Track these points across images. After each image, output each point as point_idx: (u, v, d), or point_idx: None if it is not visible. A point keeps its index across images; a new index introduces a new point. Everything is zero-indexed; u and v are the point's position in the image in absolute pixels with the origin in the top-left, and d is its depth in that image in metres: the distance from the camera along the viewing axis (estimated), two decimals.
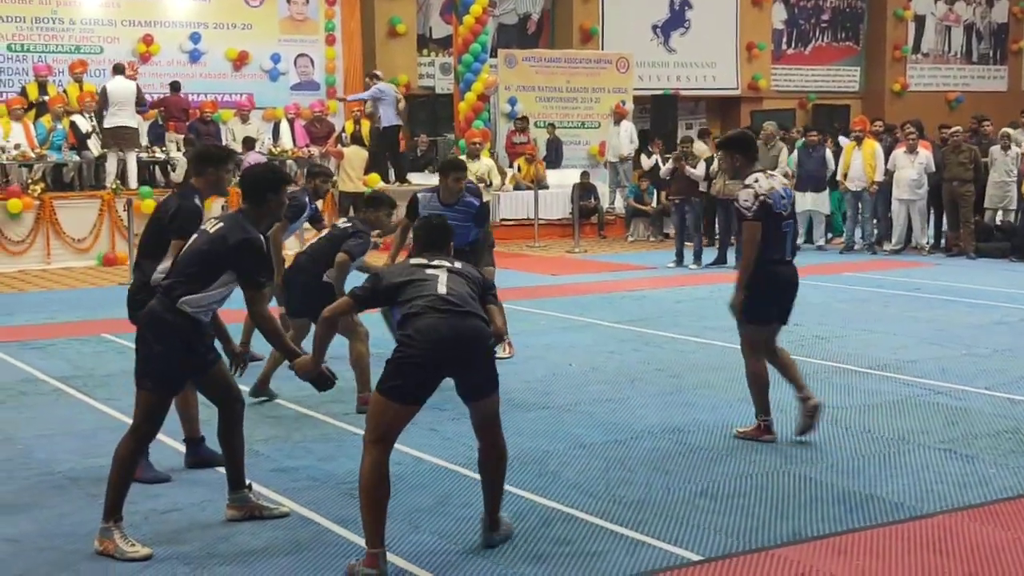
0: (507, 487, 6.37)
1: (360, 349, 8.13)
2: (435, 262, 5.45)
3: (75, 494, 6.43)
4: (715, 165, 16.80)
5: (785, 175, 18.18)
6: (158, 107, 19.14)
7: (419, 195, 9.35)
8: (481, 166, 15.14)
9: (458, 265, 5.51)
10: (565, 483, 6.51)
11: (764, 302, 7.17)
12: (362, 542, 5.24)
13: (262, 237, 5.79)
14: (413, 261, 5.51)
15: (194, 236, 5.76)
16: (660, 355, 10.06)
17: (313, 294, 7.97)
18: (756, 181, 7.12)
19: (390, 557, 5.22)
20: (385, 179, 18.96)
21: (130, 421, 7.61)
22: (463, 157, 15.45)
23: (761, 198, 7.06)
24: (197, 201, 6.52)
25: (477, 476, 6.49)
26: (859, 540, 5.59)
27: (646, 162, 20.25)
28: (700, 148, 18.52)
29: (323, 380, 5.66)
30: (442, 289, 5.25)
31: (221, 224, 5.71)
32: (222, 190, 6.93)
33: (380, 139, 19.34)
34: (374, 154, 19.03)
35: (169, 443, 6.93)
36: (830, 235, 19.07)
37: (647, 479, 6.58)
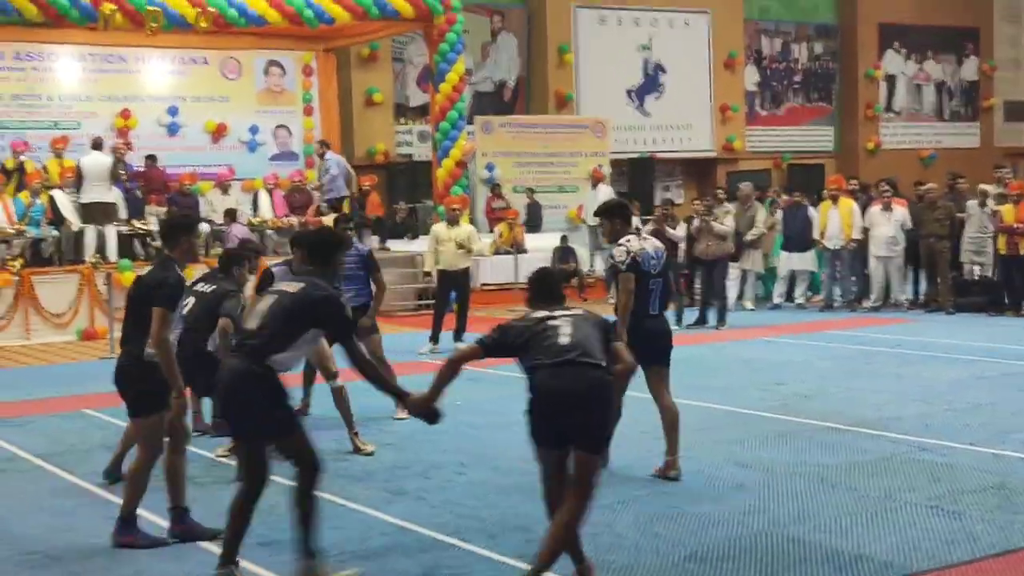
0: (490, 554, 6.35)
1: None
2: (556, 312, 5.77)
3: (56, 572, 6.36)
4: (696, 225, 16.93)
5: (771, 227, 18.41)
6: (136, 180, 19.16)
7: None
8: (461, 232, 15.13)
9: (579, 311, 5.88)
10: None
11: (636, 352, 6.80)
12: None
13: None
14: (537, 314, 5.80)
15: (271, 298, 6.02)
16: (644, 417, 10.03)
17: (196, 364, 7.73)
18: (628, 241, 7.97)
19: None
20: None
21: (111, 497, 7.56)
22: (442, 223, 15.53)
23: (632, 255, 7.86)
24: (178, 270, 6.65)
25: (465, 545, 6.47)
26: None
27: None
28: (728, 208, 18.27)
29: (433, 416, 5.91)
30: (564, 340, 5.55)
31: (303, 284, 6.02)
32: (195, 256, 7.30)
33: (329, 209, 19.47)
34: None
35: (151, 517, 6.87)
36: (810, 293, 19.14)
37: (636, 542, 6.54)
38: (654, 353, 7.89)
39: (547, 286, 6.05)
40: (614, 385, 5.85)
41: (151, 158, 19.54)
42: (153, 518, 6.91)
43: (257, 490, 5.88)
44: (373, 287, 10.42)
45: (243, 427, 5.90)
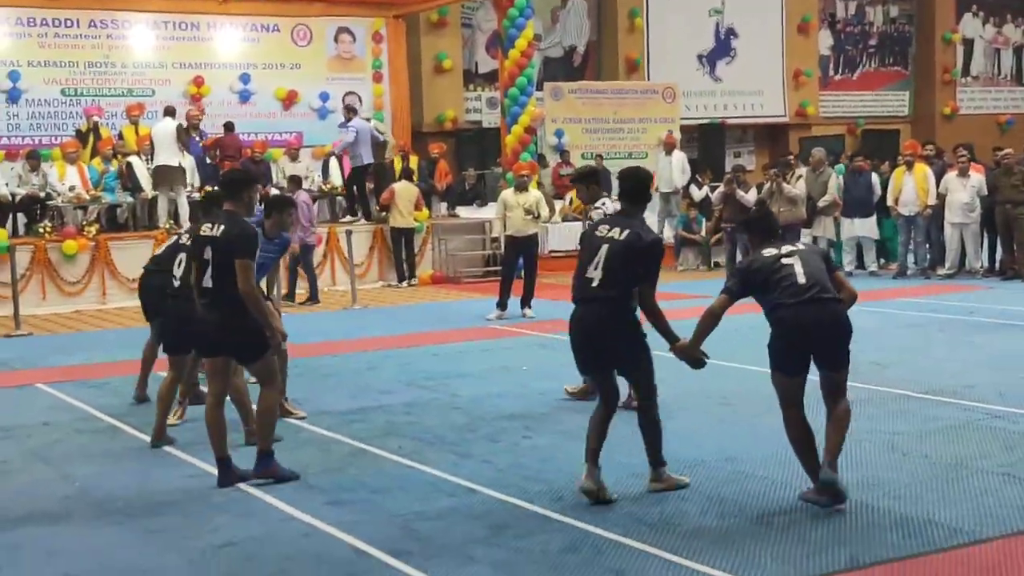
0: (560, 517, 6.38)
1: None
2: (785, 250, 6.43)
3: (131, 527, 6.49)
4: (767, 188, 16.79)
5: (833, 202, 18.19)
6: (212, 147, 19.35)
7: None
8: (530, 198, 15.10)
9: (802, 247, 6.60)
10: (619, 512, 6.46)
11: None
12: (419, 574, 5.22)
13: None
14: (767, 253, 6.43)
15: (604, 245, 6.59)
16: (713, 383, 9.99)
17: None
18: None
19: None
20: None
21: (182, 455, 7.64)
22: (510, 188, 15.50)
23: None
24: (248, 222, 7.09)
25: (531, 507, 6.52)
26: (917, 566, 5.52)
27: (696, 193, 20.24)
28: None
29: (699, 362, 6.64)
30: (801, 280, 6.23)
31: (629, 230, 6.60)
32: (253, 211, 7.60)
33: (348, 179, 19.41)
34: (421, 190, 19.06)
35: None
36: (883, 260, 18.93)
37: (701, 508, 6.53)
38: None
39: (768, 224, 6.77)
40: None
41: (228, 125, 19.73)
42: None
43: (612, 408, 6.75)
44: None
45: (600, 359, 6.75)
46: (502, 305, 14.76)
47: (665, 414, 6.95)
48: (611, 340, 6.58)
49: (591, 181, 9.15)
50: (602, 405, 6.74)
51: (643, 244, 6.54)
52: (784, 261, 6.34)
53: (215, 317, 6.96)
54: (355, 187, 19.30)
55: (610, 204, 8.52)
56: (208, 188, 15.40)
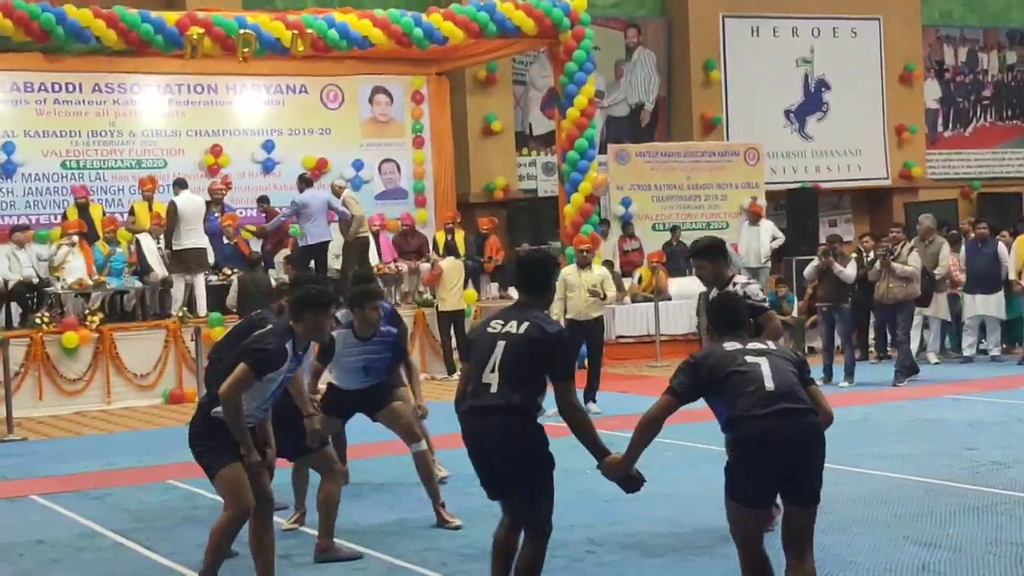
0: None
1: (331, 488, 8.24)
2: (751, 346, 5.88)
3: None
4: (876, 269, 16.70)
5: (949, 278, 18.05)
6: (260, 234, 19.70)
7: (334, 334, 9.33)
8: (594, 276, 15.10)
9: (771, 347, 5.98)
10: None
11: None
12: None
13: None
14: (729, 346, 5.87)
15: (501, 342, 6.15)
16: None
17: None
18: (737, 281, 8.04)
19: None
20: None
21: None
22: (571, 266, 15.50)
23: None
24: (288, 346, 6.84)
25: None
26: None
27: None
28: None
29: (633, 482, 6.02)
30: (769, 385, 5.64)
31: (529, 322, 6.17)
32: (322, 338, 7.48)
33: (297, 259, 18.68)
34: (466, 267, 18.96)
35: None
36: (1006, 344, 18.71)
37: None
38: None
39: (733, 311, 6.23)
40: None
41: (263, 199, 19.89)
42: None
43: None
44: None
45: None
46: None
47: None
48: (511, 460, 6.09)
49: (721, 256, 8.35)
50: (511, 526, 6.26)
51: (548, 337, 6.08)
52: (748, 359, 5.78)
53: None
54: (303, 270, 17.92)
55: (742, 280, 8.06)
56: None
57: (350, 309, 9.39)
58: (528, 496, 6.08)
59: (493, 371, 6.03)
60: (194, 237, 17.98)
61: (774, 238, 21.38)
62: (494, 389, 6.00)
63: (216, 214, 19.12)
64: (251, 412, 6.75)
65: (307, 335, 6.98)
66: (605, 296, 15.06)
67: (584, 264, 15.25)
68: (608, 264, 19.35)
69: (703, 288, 20.10)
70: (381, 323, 9.45)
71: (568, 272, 15.22)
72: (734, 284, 7.99)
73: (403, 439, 9.47)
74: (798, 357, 5.97)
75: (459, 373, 18.98)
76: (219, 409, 6.66)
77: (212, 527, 7.05)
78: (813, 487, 5.69)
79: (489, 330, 6.25)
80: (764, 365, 5.71)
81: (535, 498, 6.08)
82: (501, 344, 6.07)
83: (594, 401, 14.71)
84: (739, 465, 5.77)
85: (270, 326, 7.20)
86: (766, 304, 7.51)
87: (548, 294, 6.71)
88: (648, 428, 5.87)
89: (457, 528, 8.91)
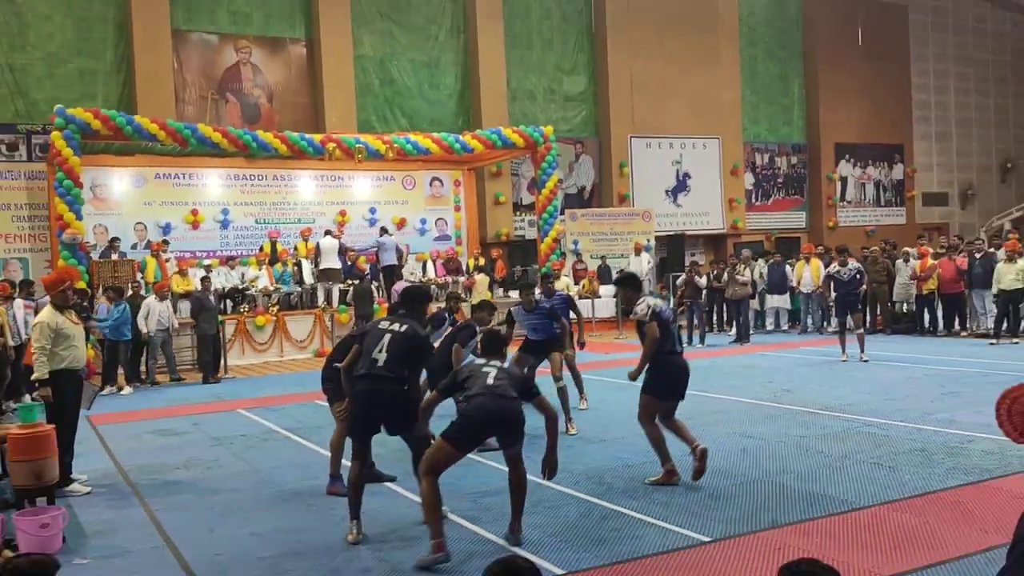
0: (578, 493, 6.31)
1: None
2: (491, 362, 5.35)
3: (296, 504, 6.51)
4: (726, 273, 16.73)
5: (753, 285, 18.08)
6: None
7: (511, 309, 9.44)
8: (561, 284, 15.34)
9: (505, 366, 5.37)
10: (617, 490, 6.42)
11: (663, 384, 6.53)
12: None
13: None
14: (477, 362, 5.37)
15: (387, 335, 5.53)
16: (681, 405, 9.91)
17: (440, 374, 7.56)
18: (644, 300, 6.68)
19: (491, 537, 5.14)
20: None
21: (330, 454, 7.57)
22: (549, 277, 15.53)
23: (652, 307, 6.56)
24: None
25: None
26: (817, 525, 5.45)
27: (700, 282, 20.26)
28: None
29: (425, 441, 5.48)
30: (490, 381, 5.18)
31: (407, 325, 5.59)
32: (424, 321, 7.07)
33: (383, 274, 18.54)
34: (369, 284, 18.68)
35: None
36: (790, 323, 18.73)
37: (672, 487, 6.46)
38: (675, 388, 6.63)
39: (491, 344, 5.57)
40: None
41: (384, 230, 19.52)
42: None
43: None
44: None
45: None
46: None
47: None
48: (395, 410, 5.44)
49: (627, 286, 7.09)
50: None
51: (419, 338, 5.51)
52: (484, 369, 5.25)
53: None
54: (388, 281, 18.47)
55: (651, 300, 6.74)
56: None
57: (519, 292, 9.25)
58: (409, 429, 5.51)
59: (381, 351, 5.42)
60: (330, 262, 18.01)
61: (649, 262, 21.43)
62: (380, 364, 5.40)
63: (350, 249, 19.19)
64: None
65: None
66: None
67: (556, 277, 15.37)
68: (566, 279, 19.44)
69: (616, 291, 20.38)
70: (541, 302, 9.20)
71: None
72: (639, 303, 6.79)
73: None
74: (522, 376, 5.36)
75: None
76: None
77: (331, 438, 6.81)
78: (512, 439, 5.16)
79: (380, 326, 5.60)
80: (492, 372, 5.21)
81: (411, 428, 5.50)
82: (388, 336, 5.48)
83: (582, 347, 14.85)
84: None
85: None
86: (646, 318, 6.51)
87: (421, 308, 5.94)
88: (423, 414, 5.44)
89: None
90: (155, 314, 14.23)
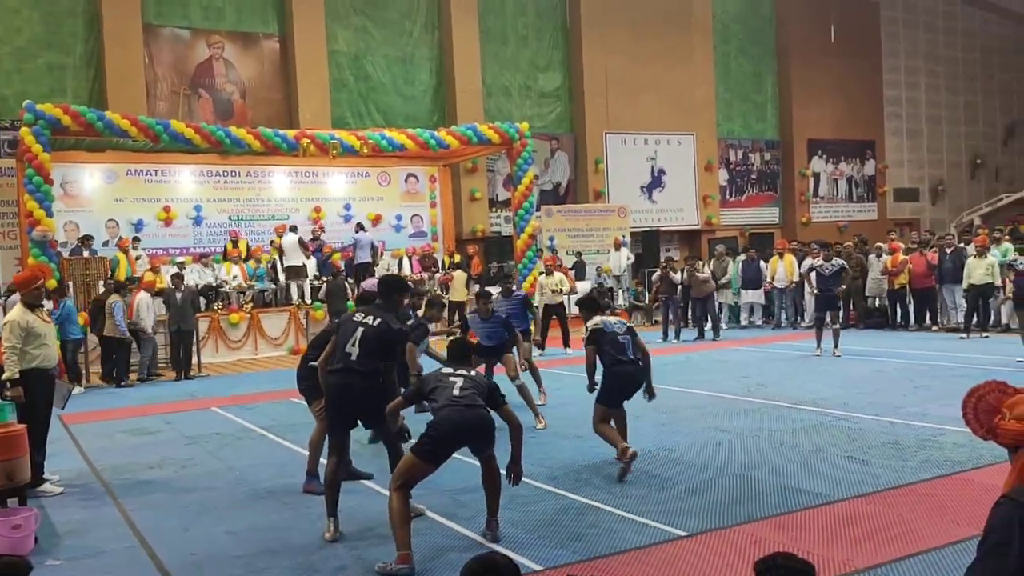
0: (555, 489, 6.32)
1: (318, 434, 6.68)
2: (458, 371, 5.24)
3: (272, 502, 6.46)
4: (687, 272, 16.81)
5: (729, 283, 18.22)
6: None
7: (467, 315, 9.66)
8: (555, 279, 15.61)
9: (472, 374, 5.25)
10: (593, 485, 6.43)
11: (613, 394, 6.85)
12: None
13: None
14: (444, 370, 5.29)
15: (360, 328, 5.49)
16: (655, 401, 9.95)
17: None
18: (592, 320, 6.91)
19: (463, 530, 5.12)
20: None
21: (307, 453, 7.48)
22: (543, 274, 15.80)
23: (592, 329, 6.84)
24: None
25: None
26: (792, 519, 5.48)
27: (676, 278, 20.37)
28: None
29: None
30: (456, 392, 5.09)
31: (380, 319, 5.53)
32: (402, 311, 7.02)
33: (356, 271, 18.47)
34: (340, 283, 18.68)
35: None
36: (765, 318, 18.87)
37: (648, 481, 6.49)
38: (624, 395, 6.93)
39: (457, 352, 5.43)
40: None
41: (359, 226, 19.47)
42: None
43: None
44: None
45: None
46: (541, 347, 14.99)
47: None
48: (368, 402, 5.40)
49: (582, 308, 7.25)
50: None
51: (392, 331, 5.42)
52: (451, 379, 5.16)
53: None
54: (359, 278, 18.10)
55: (597, 319, 6.88)
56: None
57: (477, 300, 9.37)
58: (381, 420, 5.46)
59: (354, 345, 5.35)
60: (293, 259, 17.87)
61: (628, 258, 21.51)
62: (354, 358, 5.34)
63: (320, 244, 19.06)
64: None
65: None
66: (563, 290, 15.44)
67: (549, 272, 15.55)
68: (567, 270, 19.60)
69: (593, 285, 20.44)
70: (495, 313, 9.35)
71: (540, 278, 15.71)
72: (588, 323, 6.95)
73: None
74: (489, 384, 5.24)
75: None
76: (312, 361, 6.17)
77: (310, 437, 6.80)
78: (484, 445, 5.15)
79: (354, 319, 5.51)
80: (458, 381, 5.12)
81: (383, 421, 5.47)
82: (360, 330, 5.40)
83: (568, 347, 14.99)
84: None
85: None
86: (591, 332, 6.80)
87: (398, 300, 5.69)
88: (391, 417, 5.42)
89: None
90: (151, 310, 14.15)
